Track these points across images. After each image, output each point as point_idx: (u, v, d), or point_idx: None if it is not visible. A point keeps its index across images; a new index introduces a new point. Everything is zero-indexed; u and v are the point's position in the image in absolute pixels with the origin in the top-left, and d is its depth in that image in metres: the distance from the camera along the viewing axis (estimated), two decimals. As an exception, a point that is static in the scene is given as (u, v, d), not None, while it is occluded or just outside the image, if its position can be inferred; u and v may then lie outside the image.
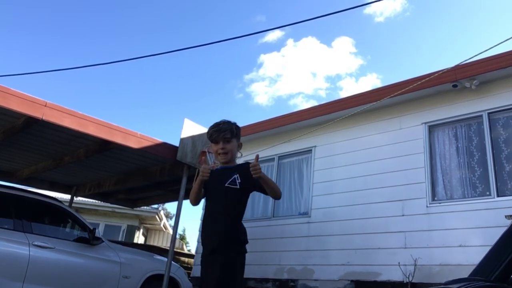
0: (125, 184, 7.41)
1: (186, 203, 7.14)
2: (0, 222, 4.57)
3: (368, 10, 42.59)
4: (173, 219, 13.89)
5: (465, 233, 5.14)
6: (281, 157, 7.83)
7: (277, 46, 45.63)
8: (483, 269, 1.57)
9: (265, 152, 7.44)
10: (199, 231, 8.09)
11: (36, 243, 4.50)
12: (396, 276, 5.47)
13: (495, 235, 1.77)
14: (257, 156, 2.63)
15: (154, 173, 6.59)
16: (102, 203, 11.79)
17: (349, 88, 51.97)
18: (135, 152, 5.81)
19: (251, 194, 2.76)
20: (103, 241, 5.21)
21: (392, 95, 5.93)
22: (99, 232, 5.21)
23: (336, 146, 7.01)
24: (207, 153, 5.36)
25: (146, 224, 16.51)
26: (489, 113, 5.55)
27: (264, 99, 51.34)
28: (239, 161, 2.84)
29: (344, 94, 39.91)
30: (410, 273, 5.27)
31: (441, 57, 49.82)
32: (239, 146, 2.80)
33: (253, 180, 2.53)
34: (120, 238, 14.11)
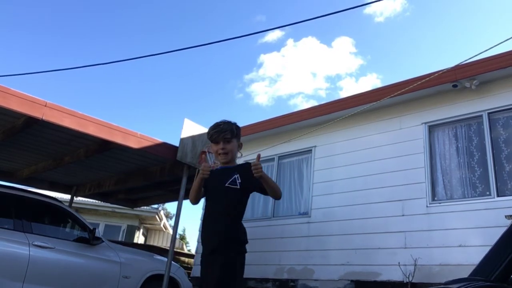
0: (125, 184, 7.41)
1: (186, 203, 7.15)
2: (0, 222, 4.57)
3: (368, 10, 42.61)
4: (173, 219, 13.90)
5: (465, 233, 5.14)
6: (281, 157, 7.83)
7: (277, 46, 45.67)
8: (483, 269, 1.57)
9: (265, 152, 7.44)
10: (199, 231, 8.09)
11: (36, 243, 4.50)
12: (396, 276, 5.48)
13: (495, 235, 1.77)
14: (259, 156, 2.63)
15: (154, 173, 6.59)
16: (102, 203, 11.79)
17: (349, 88, 52.02)
18: (135, 152, 5.81)
19: (251, 194, 2.76)
20: (103, 241, 5.21)
21: (392, 95, 5.93)
22: (99, 232, 5.21)
23: (336, 146, 7.01)
24: (207, 153, 5.37)
25: (146, 224, 16.51)
26: (489, 113, 5.56)
27: (264, 99, 51.38)
28: (239, 161, 2.84)
29: (344, 94, 39.93)
30: (410, 273, 5.28)
31: (441, 57, 49.88)
32: (239, 146, 2.80)
33: (253, 180, 2.53)
34: (120, 238, 14.11)
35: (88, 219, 5.97)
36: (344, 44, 43.53)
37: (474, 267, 1.63)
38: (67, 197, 8.77)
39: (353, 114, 6.44)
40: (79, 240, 5.05)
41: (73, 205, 8.62)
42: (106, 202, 9.61)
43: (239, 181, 2.59)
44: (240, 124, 2.87)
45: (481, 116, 5.63)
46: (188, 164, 5.74)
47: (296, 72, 48.43)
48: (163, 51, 6.85)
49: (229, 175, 2.61)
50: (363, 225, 6.11)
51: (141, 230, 16.14)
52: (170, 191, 7.75)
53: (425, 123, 6.09)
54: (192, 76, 47.73)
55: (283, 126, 7.60)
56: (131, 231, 14.76)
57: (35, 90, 46.12)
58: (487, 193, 5.27)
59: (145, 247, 10.07)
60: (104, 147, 5.69)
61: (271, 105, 51.06)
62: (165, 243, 16.49)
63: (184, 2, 37.70)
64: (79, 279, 4.81)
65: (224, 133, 2.66)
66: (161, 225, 16.83)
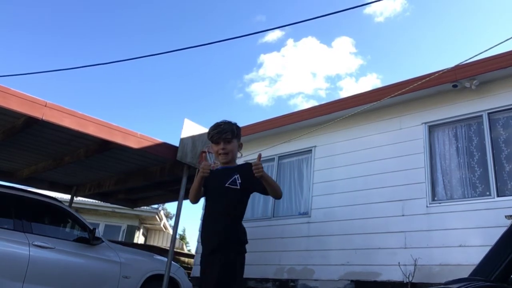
0: (125, 184, 7.41)
1: (186, 203, 7.15)
2: (0, 222, 4.57)
3: (368, 10, 42.61)
4: (173, 219, 13.90)
5: (465, 233, 5.14)
6: (281, 157, 7.83)
7: (277, 46, 45.67)
8: (483, 269, 1.57)
9: (265, 152, 7.44)
10: (199, 231, 8.09)
11: (36, 243, 4.50)
12: (396, 276, 5.48)
13: (495, 235, 1.77)
14: (260, 155, 2.63)
15: (154, 173, 6.59)
16: (102, 203, 11.78)
17: (349, 88, 52.01)
18: (135, 152, 5.81)
19: (251, 195, 2.76)
20: (103, 241, 5.21)
21: (392, 95, 5.94)
22: (99, 232, 5.21)
23: (336, 146, 7.01)
24: (207, 153, 5.37)
25: (146, 224, 16.51)
26: (489, 113, 5.56)
27: (264, 99, 51.38)
28: (239, 161, 2.84)
29: (344, 94, 39.94)
30: (410, 273, 5.28)
31: (441, 57, 49.87)
32: (240, 146, 2.80)
33: (253, 180, 2.53)
34: (120, 238, 14.11)
35: (88, 219, 5.98)
36: (344, 44, 43.58)
37: (474, 267, 1.63)
38: (67, 197, 8.77)
39: (353, 114, 6.44)
40: (79, 240, 5.05)
41: (73, 205, 8.62)
42: (106, 202, 9.60)
43: (239, 181, 2.59)
44: (240, 124, 2.87)
45: (481, 116, 5.63)
46: (188, 164, 5.74)
47: (296, 72, 48.48)
48: (163, 51, 6.85)
49: (229, 175, 2.61)
50: (363, 225, 6.11)
51: (141, 230, 16.14)
52: (170, 191, 7.75)
53: (425, 123, 6.09)
54: (192, 76, 47.77)
55: (283, 126, 7.60)
56: (131, 231, 14.76)
57: (35, 90, 46.14)
58: (487, 193, 5.27)
59: (145, 247, 10.06)
60: (104, 147, 5.69)
61: (271, 105, 51.11)
62: (165, 243, 16.48)
63: (184, 2, 37.73)
64: (79, 279, 4.81)
65: (225, 133, 2.66)
66: (161, 225, 16.83)
